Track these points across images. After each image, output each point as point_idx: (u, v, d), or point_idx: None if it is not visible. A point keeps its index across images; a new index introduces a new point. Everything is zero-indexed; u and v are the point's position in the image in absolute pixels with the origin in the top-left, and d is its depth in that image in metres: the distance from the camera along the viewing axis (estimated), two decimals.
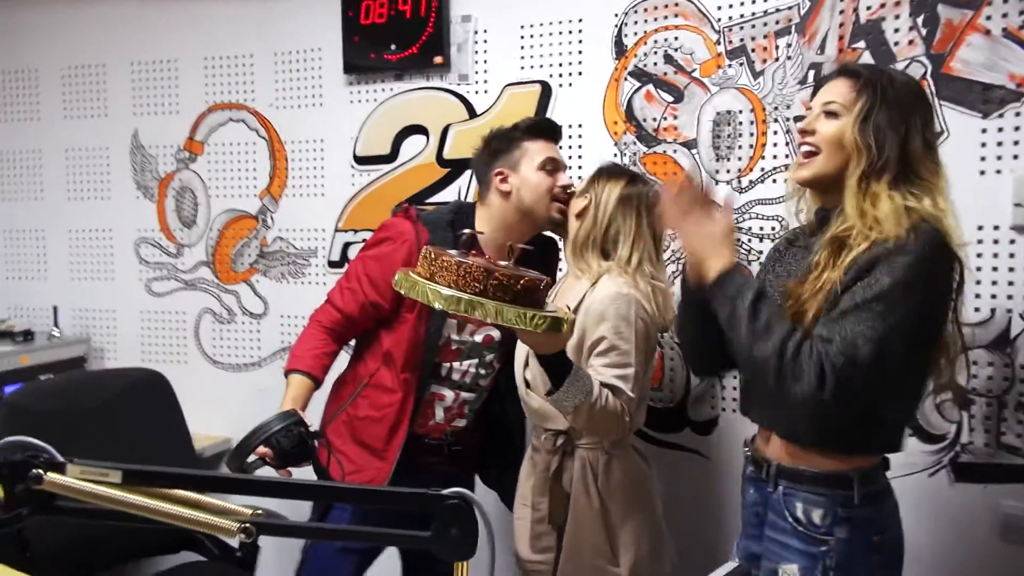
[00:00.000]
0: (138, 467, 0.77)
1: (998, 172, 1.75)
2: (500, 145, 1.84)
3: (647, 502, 1.77)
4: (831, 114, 1.35)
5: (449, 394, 1.88)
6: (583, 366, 1.61)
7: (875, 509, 1.34)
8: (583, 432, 1.70)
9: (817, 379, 1.20)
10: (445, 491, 0.76)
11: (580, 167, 2.27)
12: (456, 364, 1.85)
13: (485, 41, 2.38)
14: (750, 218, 2.04)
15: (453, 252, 1.30)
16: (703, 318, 1.41)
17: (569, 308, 1.62)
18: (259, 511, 0.78)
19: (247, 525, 0.74)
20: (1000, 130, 1.73)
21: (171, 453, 2.20)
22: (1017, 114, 1.72)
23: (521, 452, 1.90)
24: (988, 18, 1.73)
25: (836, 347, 1.20)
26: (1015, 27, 1.71)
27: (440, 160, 2.47)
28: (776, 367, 1.23)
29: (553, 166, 1.82)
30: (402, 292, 1.28)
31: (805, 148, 1.38)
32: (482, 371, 1.89)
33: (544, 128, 1.87)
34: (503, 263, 1.35)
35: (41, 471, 0.74)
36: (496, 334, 1.86)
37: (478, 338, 1.86)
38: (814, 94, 1.43)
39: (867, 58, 1.87)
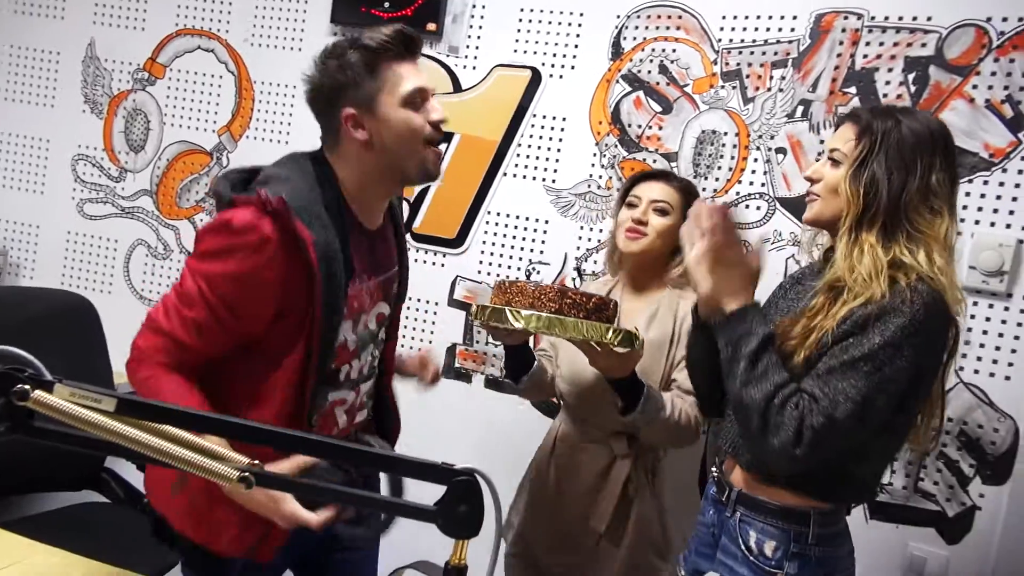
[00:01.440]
0: (134, 398, 0.71)
1: (959, 234, 1.82)
2: (343, 75, 1.30)
3: (693, 498, 1.79)
4: (834, 161, 1.34)
5: (349, 395, 1.47)
6: (673, 372, 1.69)
7: (829, 550, 1.33)
8: (654, 443, 1.72)
9: (795, 435, 1.20)
10: (459, 466, 0.74)
11: (558, 160, 2.27)
12: (354, 363, 1.45)
13: (482, 17, 2.34)
14: None
15: (525, 280, 1.36)
16: (713, 349, 1.37)
17: (638, 329, 1.60)
18: (255, 461, 0.74)
19: (247, 474, 0.70)
20: (967, 195, 1.83)
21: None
22: (985, 182, 1.81)
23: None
24: (974, 87, 1.82)
25: (819, 405, 1.20)
26: (997, 100, 1.80)
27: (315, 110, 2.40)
28: (761, 415, 1.22)
29: (423, 96, 1.34)
30: (478, 322, 1.28)
31: (809, 195, 1.38)
32: (376, 353, 1.53)
33: (400, 41, 1.33)
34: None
35: (28, 387, 0.68)
36: (387, 310, 1.52)
37: (372, 324, 1.48)
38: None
39: (856, 104, 1.93)
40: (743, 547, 1.34)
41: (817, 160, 1.43)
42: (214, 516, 1.30)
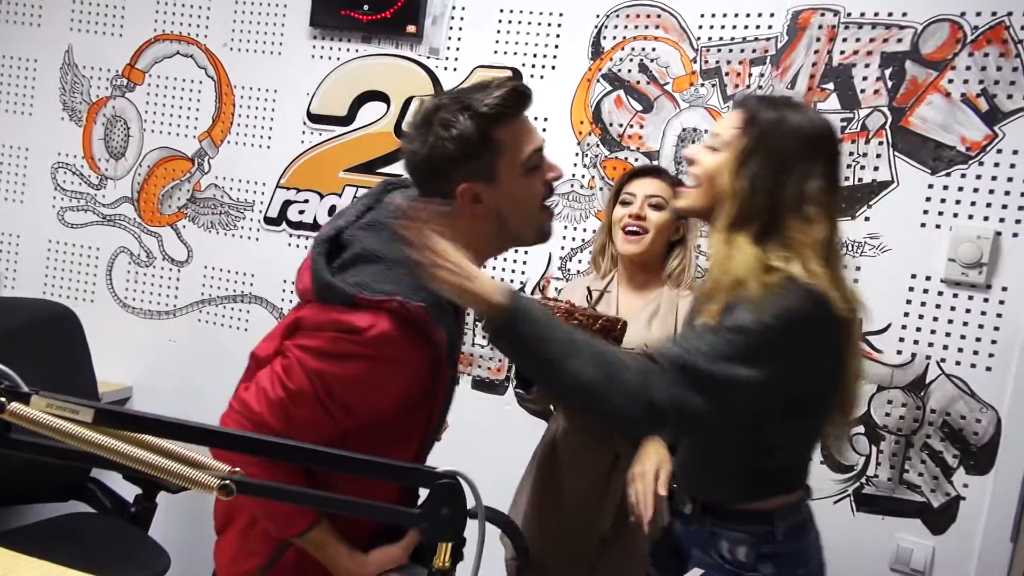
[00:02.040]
0: (111, 407, 0.71)
1: (937, 227, 1.86)
2: (457, 146, 1.17)
3: None
4: (712, 148, 1.28)
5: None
6: None
7: (798, 543, 1.34)
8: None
9: (658, 408, 1.13)
10: (440, 469, 0.74)
11: None
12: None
13: (462, 18, 2.34)
14: (701, 235, 2.08)
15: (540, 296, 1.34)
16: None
17: (648, 345, 1.60)
18: (236, 469, 0.73)
19: (227, 482, 0.69)
20: (945, 188, 1.84)
21: (75, 396, 2.06)
22: (963, 175, 1.83)
23: None
24: (950, 81, 1.84)
25: (678, 351, 1.15)
26: (973, 94, 1.82)
27: (398, 131, 2.40)
28: (602, 390, 1.14)
29: (541, 158, 1.24)
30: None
31: (687, 178, 1.33)
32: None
33: (515, 101, 1.20)
34: (582, 305, 1.45)
35: (3, 399, 0.67)
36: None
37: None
38: None
39: (834, 100, 1.95)
40: (717, 557, 1.34)
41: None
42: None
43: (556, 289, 2.26)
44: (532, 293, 2.29)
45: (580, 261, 2.24)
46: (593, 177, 2.22)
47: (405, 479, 0.72)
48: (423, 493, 0.69)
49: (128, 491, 2.19)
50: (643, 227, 1.74)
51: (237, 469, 0.73)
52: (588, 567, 1.73)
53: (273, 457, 0.82)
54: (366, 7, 2.36)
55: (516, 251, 2.29)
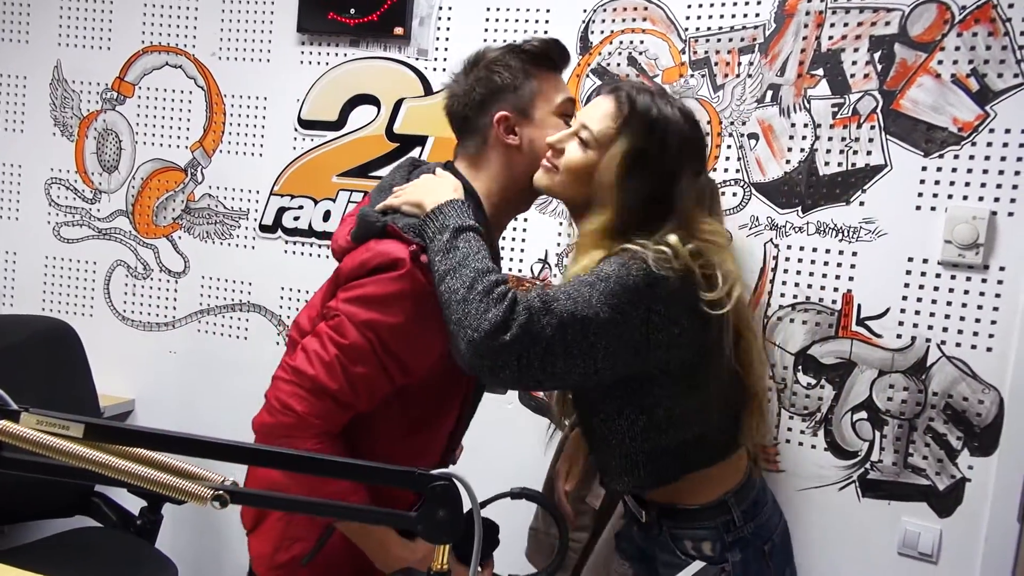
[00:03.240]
0: (102, 422, 0.70)
1: (932, 209, 1.85)
2: (501, 77, 1.26)
3: None
4: (582, 141, 1.23)
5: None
6: None
7: (757, 521, 1.34)
8: None
9: (502, 320, 1.06)
10: (434, 471, 0.74)
11: None
12: None
13: (449, 19, 2.33)
14: None
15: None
16: None
17: None
18: (231, 479, 0.73)
19: (221, 492, 0.69)
20: (939, 169, 1.84)
21: (76, 412, 2.06)
22: (956, 156, 1.82)
23: None
24: (940, 63, 1.83)
25: (534, 295, 1.11)
26: (963, 75, 1.81)
27: (389, 134, 2.40)
28: (460, 302, 1.08)
29: (572, 110, 1.31)
30: None
31: (549, 163, 1.26)
32: None
33: (558, 51, 1.32)
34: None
35: None
36: None
37: None
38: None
39: (824, 86, 1.94)
40: (683, 556, 1.32)
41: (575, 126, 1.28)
42: None
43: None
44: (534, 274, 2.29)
45: None
46: None
47: (400, 482, 0.71)
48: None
49: (133, 504, 2.19)
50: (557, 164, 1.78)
51: (232, 479, 0.73)
52: (586, 539, 1.82)
53: (268, 466, 0.82)
54: (353, 11, 2.36)
55: (512, 247, 2.29)
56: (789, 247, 2.00)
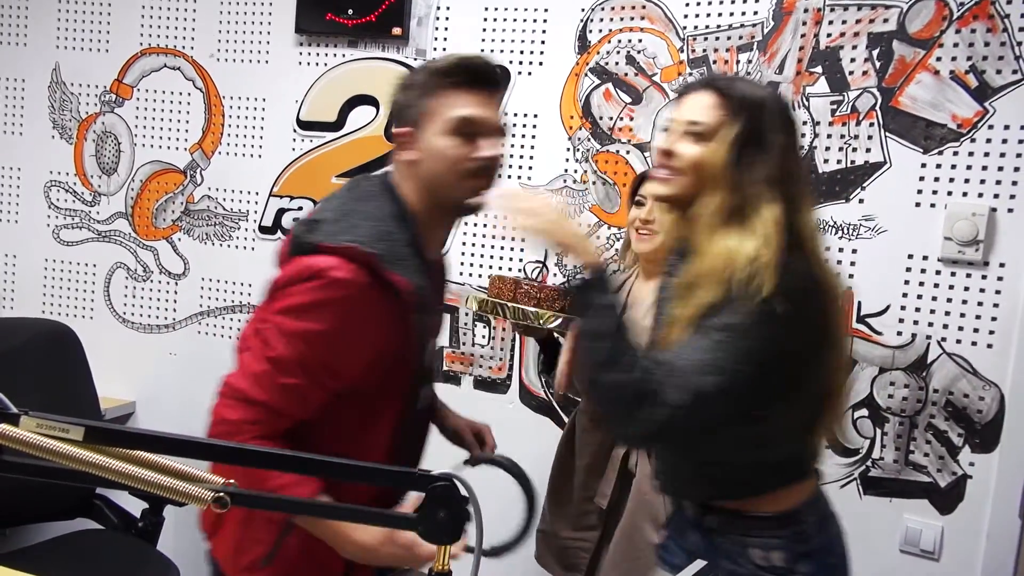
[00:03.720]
0: (102, 424, 0.70)
1: (932, 206, 1.85)
2: (404, 95, 1.28)
3: None
4: (696, 135, 1.23)
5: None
6: None
7: (826, 536, 1.32)
8: None
9: (657, 430, 1.13)
10: (435, 472, 0.73)
11: (532, 157, 2.26)
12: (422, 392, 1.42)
13: (447, 19, 2.33)
14: None
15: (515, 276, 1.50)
16: None
17: None
18: (229, 481, 0.73)
19: (221, 494, 0.69)
20: (938, 166, 1.83)
21: (77, 414, 2.06)
22: (955, 153, 1.82)
23: None
24: (938, 59, 1.83)
25: (675, 377, 1.13)
26: (962, 71, 1.81)
27: (388, 134, 2.40)
28: (614, 398, 1.14)
29: (470, 128, 1.24)
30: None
31: (665, 170, 1.27)
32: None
33: (462, 69, 1.26)
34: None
35: None
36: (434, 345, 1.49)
37: (429, 355, 1.43)
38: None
39: (823, 83, 1.94)
40: (751, 566, 1.27)
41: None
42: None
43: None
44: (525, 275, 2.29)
45: None
46: (586, 171, 2.21)
47: (401, 482, 0.71)
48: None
49: (135, 506, 2.19)
50: (653, 229, 1.81)
51: (231, 481, 0.73)
52: (596, 539, 1.82)
53: (266, 468, 0.82)
54: (351, 11, 2.36)
55: (512, 247, 2.29)
56: None
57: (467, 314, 2.33)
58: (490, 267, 2.32)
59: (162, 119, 2.59)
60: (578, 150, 2.22)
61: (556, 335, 1.83)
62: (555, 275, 2.26)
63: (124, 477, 0.68)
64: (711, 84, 1.26)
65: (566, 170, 2.23)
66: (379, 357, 1.23)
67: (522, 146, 2.27)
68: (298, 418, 1.21)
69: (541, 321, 1.56)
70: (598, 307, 1.20)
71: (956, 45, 1.81)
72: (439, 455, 2.28)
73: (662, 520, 1.77)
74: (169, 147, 2.58)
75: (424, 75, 1.27)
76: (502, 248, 2.30)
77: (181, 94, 2.56)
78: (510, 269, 2.30)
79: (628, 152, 2.17)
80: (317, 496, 1.12)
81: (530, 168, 2.27)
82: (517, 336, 2.29)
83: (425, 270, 1.29)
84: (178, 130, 2.58)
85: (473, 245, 2.33)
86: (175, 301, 2.60)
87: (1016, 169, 1.77)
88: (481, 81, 1.27)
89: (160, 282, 2.61)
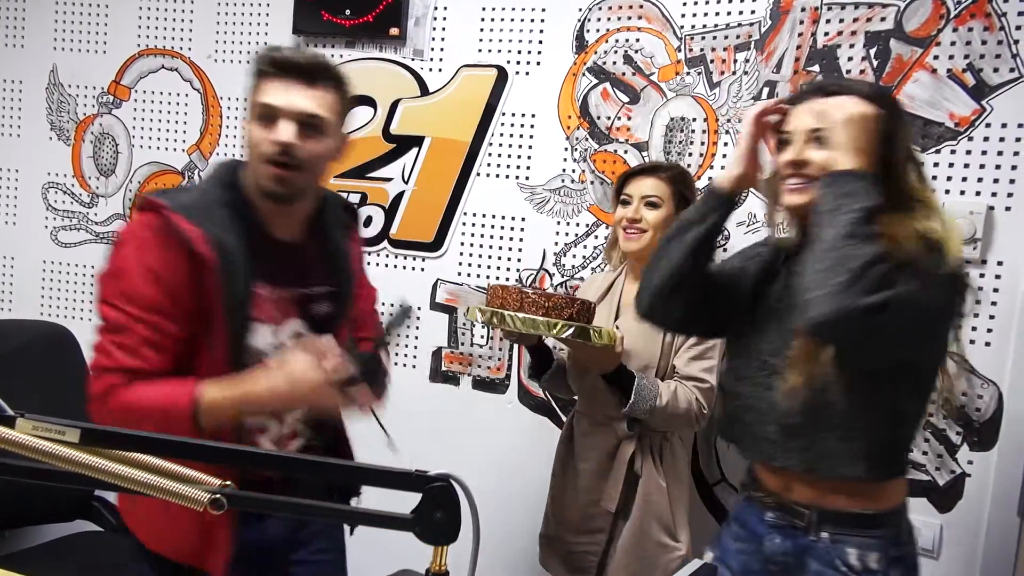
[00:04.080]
0: (98, 426, 0.70)
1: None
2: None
3: (688, 478, 1.89)
4: (819, 140, 1.25)
5: (271, 423, 1.39)
6: (672, 358, 1.77)
7: (912, 541, 1.30)
8: (660, 428, 1.78)
9: (882, 302, 1.10)
10: (431, 472, 0.73)
11: (530, 157, 2.26)
12: None
13: (444, 19, 2.33)
14: None
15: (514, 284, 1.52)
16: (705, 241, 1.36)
17: (619, 328, 1.75)
18: (227, 483, 0.73)
19: (218, 496, 0.69)
20: (936, 164, 1.83)
21: (75, 416, 2.05)
22: (953, 151, 1.82)
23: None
24: (935, 58, 1.83)
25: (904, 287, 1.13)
26: (959, 70, 1.81)
27: (387, 135, 2.40)
28: (855, 272, 1.10)
29: (268, 113, 1.29)
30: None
31: (798, 179, 1.28)
32: None
33: (271, 61, 1.32)
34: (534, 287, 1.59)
35: None
36: (302, 330, 1.41)
37: (284, 338, 1.39)
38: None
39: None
40: (844, 567, 1.25)
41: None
42: (161, 521, 1.34)
43: (552, 285, 2.26)
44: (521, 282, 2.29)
45: (574, 256, 2.23)
46: (584, 171, 2.21)
47: (397, 484, 0.71)
48: None
49: None
50: (640, 228, 1.82)
51: (228, 483, 0.73)
52: (603, 542, 1.82)
53: (265, 468, 0.82)
54: (348, 12, 2.36)
55: (511, 247, 2.29)
56: None
57: (472, 323, 2.33)
58: (490, 269, 2.32)
59: (160, 120, 2.59)
60: (576, 149, 2.22)
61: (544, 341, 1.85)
62: (553, 275, 2.25)
63: (119, 479, 0.68)
64: (822, 89, 1.29)
65: (564, 170, 2.23)
66: (177, 303, 1.26)
67: (520, 146, 2.27)
68: (166, 368, 1.26)
69: (554, 331, 1.54)
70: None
71: (953, 44, 1.81)
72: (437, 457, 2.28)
73: (669, 521, 1.78)
74: (167, 148, 2.58)
75: (253, 65, 1.35)
76: (500, 249, 2.31)
77: (179, 95, 2.56)
78: (499, 271, 2.30)
79: (626, 152, 2.17)
80: (195, 396, 1.21)
81: (528, 168, 2.27)
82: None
83: (267, 247, 1.34)
84: (176, 131, 2.58)
85: (472, 246, 2.33)
86: None
87: (1014, 167, 1.77)
88: (288, 69, 1.30)
89: None
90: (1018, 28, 1.76)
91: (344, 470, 0.71)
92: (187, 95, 2.56)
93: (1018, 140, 1.77)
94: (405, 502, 0.73)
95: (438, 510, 0.72)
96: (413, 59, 2.36)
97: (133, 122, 2.60)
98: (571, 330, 1.54)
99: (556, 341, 1.88)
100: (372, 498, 0.73)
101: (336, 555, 1.58)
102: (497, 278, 2.30)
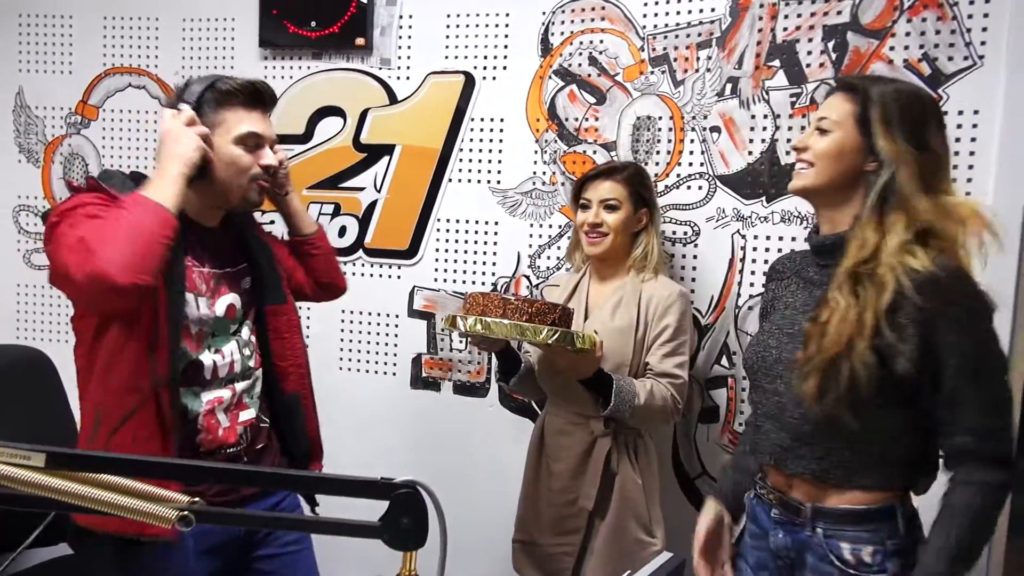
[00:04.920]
0: (63, 450, 0.71)
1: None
2: (198, 104, 1.47)
3: (658, 472, 1.88)
4: (822, 131, 1.33)
5: (224, 392, 1.51)
6: (645, 356, 1.78)
7: (913, 534, 1.31)
8: (638, 425, 1.81)
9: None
10: (397, 479, 0.75)
11: (500, 161, 2.28)
12: (215, 357, 1.49)
13: (410, 27, 2.34)
14: (665, 222, 2.10)
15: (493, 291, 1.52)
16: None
17: (597, 332, 1.76)
18: (195, 500, 0.74)
19: (185, 513, 0.70)
20: None
21: (54, 440, 2.04)
22: None
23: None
24: (892, 49, 1.86)
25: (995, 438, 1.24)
26: (915, 59, 1.84)
27: (356, 144, 2.41)
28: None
29: (256, 141, 1.50)
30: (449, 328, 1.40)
31: (799, 164, 1.37)
32: (246, 352, 1.56)
33: (247, 94, 1.49)
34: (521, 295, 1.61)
35: None
36: (237, 302, 1.55)
37: (219, 311, 1.52)
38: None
39: (781, 76, 1.97)
40: (838, 562, 1.28)
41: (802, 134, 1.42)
42: None
43: (529, 287, 2.27)
44: (496, 289, 2.31)
45: (548, 257, 2.25)
46: (554, 173, 2.23)
47: (363, 492, 0.72)
48: None
49: None
50: (601, 232, 1.85)
51: (196, 499, 0.74)
52: (580, 543, 1.82)
53: (232, 483, 0.83)
54: (313, 24, 2.37)
55: (485, 251, 2.30)
56: (756, 237, 2.03)
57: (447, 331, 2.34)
58: (465, 274, 2.33)
59: (130, 139, 2.58)
60: (546, 152, 2.24)
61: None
62: (529, 275, 2.27)
63: (87, 501, 0.68)
64: (844, 85, 1.36)
65: (535, 172, 2.25)
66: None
67: (490, 150, 2.29)
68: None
69: (540, 337, 1.55)
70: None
71: (908, 34, 1.84)
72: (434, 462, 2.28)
73: (645, 518, 1.79)
74: (138, 166, 2.57)
75: (212, 93, 1.47)
76: (475, 253, 2.32)
77: (147, 113, 2.56)
78: (475, 276, 2.31)
79: (595, 152, 2.19)
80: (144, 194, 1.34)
81: (499, 172, 2.29)
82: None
83: (194, 231, 1.50)
84: (146, 149, 2.57)
85: (447, 252, 2.34)
86: None
87: (971, 153, 1.81)
88: (257, 101, 1.51)
89: None
90: (970, 17, 1.79)
91: (309, 481, 0.72)
92: (156, 112, 2.55)
93: (975, 127, 1.80)
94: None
95: (405, 516, 0.73)
96: (380, 68, 2.37)
97: (103, 141, 2.59)
98: (556, 335, 1.55)
99: (530, 346, 1.90)
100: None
101: (303, 546, 1.62)
102: (473, 283, 2.32)
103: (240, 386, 1.54)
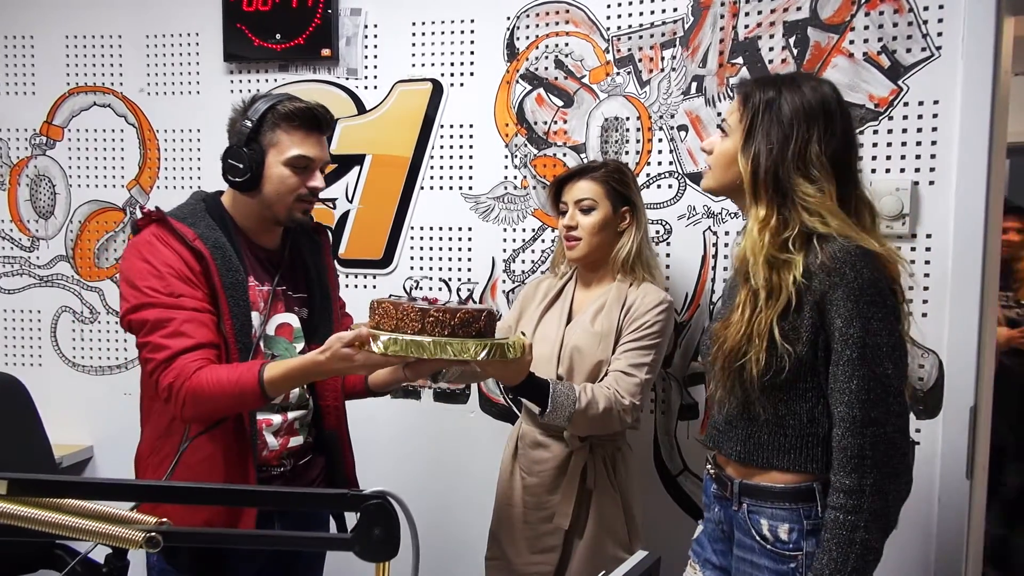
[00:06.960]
0: (25, 476, 0.70)
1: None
2: (255, 123, 1.53)
3: (637, 488, 1.85)
4: (723, 132, 1.41)
5: (275, 417, 1.58)
6: (610, 357, 1.73)
7: None
8: (587, 434, 1.74)
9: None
10: (368, 491, 0.75)
11: (471, 167, 2.28)
12: None
13: (376, 36, 2.34)
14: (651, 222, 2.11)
15: (396, 297, 1.42)
16: None
17: (524, 334, 1.67)
18: (163, 520, 0.73)
19: (153, 534, 0.69)
20: (860, 145, 1.89)
21: (29, 466, 2.02)
22: (875, 131, 1.88)
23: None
24: (851, 43, 1.89)
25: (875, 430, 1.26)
26: (874, 52, 1.87)
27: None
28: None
29: (305, 164, 1.55)
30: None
31: (704, 165, 1.46)
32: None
33: (305, 118, 1.54)
34: (440, 302, 1.40)
35: None
36: (295, 323, 1.62)
37: (271, 329, 1.59)
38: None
39: (744, 73, 1.99)
40: (758, 538, 1.33)
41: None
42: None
43: (505, 292, 2.28)
44: (410, 294, 2.31)
45: (523, 262, 2.25)
46: (525, 177, 2.24)
47: (333, 505, 0.72)
48: None
49: (99, 552, 2.15)
50: (576, 236, 1.81)
51: (164, 520, 0.73)
52: (555, 561, 1.76)
53: (203, 502, 0.82)
54: (279, 36, 2.36)
55: (460, 258, 2.30)
56: (727, 233, 2.04)
57: None
58: (440, 280, 2.33)
59: (96, 158, 2.55)
60: (516, 156, 2.25)
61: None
62: (504, 280, 2.27)
63: (52, 527, 0.68)
64: (739, 85, 1.45)
65: (506, 177, 2.26)
66: (191, 286, 1.46)
67: (461, 156, 2.29)
68: (212, 342, 1.45)
69: (468, 355, 1.31)
70: None
71: (867, 28, 1.87)
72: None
73: (624, 536, 1.76)
74: (106, 185, 2.55)
75: (271, 113, 1.54)
76: (449, 260, 2.32)
77: (114, 131, 2.54)
78: (450, 282, 2.31)
79: (565, 155, 2.20)
80: (260, 369, 1.39)
81: (471, 178, 2.29)
82: None
83: (254, 248, 1.61)
84: (114, 167, 2.55)
85: (421, 259, 2.34)
86: (126, 340, 2.57)
87: (933, 143, 1.83)
88: (315, 125, 1.57)
89: (108, 322, 2.58)
90: (926, 8, 1.82)
91: (279, 496, 0.71)
92: (122, 130, 2.53)
93: (935, 116, 1.83)
94: None
95: (375, 527, 0.73)
96: (347, 78, 2.37)
97: (69, 161, 2.57)
98: (485, 351, 1.32)
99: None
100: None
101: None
102: (449, 289, 2.32)
103: (292, 414, 1.61)
